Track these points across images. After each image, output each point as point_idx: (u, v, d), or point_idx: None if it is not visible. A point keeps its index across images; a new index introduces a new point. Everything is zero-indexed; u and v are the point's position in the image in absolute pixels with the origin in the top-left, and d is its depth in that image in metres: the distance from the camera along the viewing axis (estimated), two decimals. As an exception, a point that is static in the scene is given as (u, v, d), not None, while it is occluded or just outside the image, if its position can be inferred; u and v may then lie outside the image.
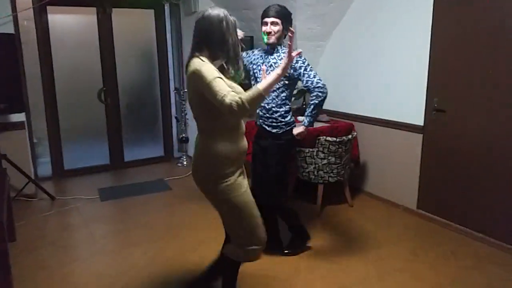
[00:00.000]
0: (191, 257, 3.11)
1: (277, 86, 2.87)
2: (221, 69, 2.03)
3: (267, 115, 2.95)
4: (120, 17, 5.19)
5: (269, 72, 2.70)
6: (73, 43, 5.00)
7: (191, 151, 5.80)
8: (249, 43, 5.06)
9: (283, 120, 2.95)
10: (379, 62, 4.07)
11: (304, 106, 4.70)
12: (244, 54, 3.00)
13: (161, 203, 4.27)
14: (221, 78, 1.89)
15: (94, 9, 5.01)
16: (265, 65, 2.89)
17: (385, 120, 4.08)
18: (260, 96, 1.85)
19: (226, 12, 2.05)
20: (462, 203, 3.48)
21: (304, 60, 2.85)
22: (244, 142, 2.16)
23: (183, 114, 5.64)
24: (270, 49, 2.93)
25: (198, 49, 2.02)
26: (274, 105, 2.92)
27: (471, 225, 3.41)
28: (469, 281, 2.78)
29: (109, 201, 4.30)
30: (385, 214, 3.92)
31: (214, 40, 1.98)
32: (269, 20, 2.82)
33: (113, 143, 5.38)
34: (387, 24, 3.95)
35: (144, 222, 3.74)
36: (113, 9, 5.09)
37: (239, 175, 2.14)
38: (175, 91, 5.73)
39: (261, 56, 2.99)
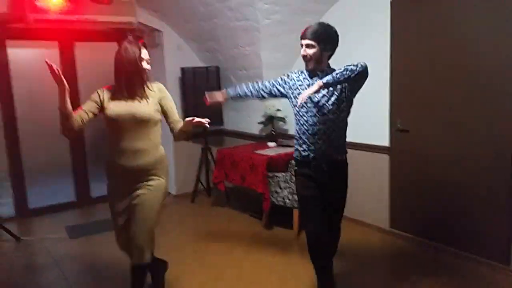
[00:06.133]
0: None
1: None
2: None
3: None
4: (83, 50, 5.14)
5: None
6: (35, 77, 4.87)
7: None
8: (215, 73, 5.15)
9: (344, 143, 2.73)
10: (344, 87, 4.24)
11: (273, 132, 4.77)
12: (279, 79, 2.77)
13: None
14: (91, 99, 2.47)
15: (56, 43, 4.94)
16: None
17: (352, 142, 4.20)
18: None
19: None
20: (433, 220, 3.63)
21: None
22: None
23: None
24: (314, 71, 2.60)
25: None
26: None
27: (444, 241, 3.55)
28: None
29: (78, 239, 4.14)
30: (360, 235, 4.01)
31: None
32: (303, 42, 2.54)
33: (78, 178, 5.22)
34: (348, 49, 4.12)
35: (117, 259, 3.62)
36: (76, 43, 5.04)
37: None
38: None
39: (304, 78, 2.65)
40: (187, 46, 5.36)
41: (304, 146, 2.62)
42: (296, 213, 3.91)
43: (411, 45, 3.61)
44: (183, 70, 5.10)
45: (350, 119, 4.18)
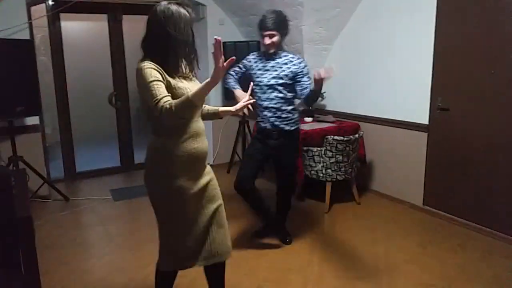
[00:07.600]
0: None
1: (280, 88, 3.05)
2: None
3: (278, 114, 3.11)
4: (131, 24, 5.33)
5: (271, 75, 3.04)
6: (84, 49, 5.14)
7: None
8: (256, 48, 5.21)
9: (293, 117, 3.16)
10: (384, 63, 4.19)
11: (310, 108, 4.80)
12: (240, 65, 3.23)
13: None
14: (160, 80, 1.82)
15: (105, 16, 5.16)
16: (263, 70, 3.09)
17: (390, 119, 4.20)
18: (188, 102, 1.73)
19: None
20: (467, 199, 3.58)
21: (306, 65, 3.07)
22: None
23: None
24: (270, 54, 3.05)
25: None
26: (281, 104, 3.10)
27: (477, 220, 3.52)
28: (476, 272, 2.88)
29: (122, 201, 4.41)
30: (392, 211, 4.02)
31: None
32: (266, 33, 2.93)
33: (123, 146, 5.50)
34: (391, 26, 4.08)
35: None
36: (124, 16, 5.24)
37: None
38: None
39: (259, 59, 3.12)
40: (229, 20, 5.43)
41: (260, 117, 3.19)
42: (328, 187, 3.97)
43: (457, 22, 3.50)
44: (224, 44, 5.18)
45: (390, 96, 4.18)
